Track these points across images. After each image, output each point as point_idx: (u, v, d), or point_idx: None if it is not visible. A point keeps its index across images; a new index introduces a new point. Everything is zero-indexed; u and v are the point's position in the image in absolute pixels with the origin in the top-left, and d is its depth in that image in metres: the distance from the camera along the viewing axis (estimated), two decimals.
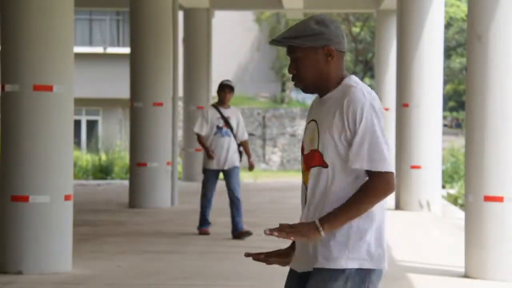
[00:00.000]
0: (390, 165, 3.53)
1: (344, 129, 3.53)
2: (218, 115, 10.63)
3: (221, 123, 10.62)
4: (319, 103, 3.66)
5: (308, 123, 3.70)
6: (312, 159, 3.61)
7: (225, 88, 10.57)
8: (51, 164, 8.20)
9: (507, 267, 8.13)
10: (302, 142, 3.72)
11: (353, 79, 3.65)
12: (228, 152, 10.62)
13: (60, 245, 8.27)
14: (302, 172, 3.72)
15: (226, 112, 10.68)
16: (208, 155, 10.58)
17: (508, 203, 8.12)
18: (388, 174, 3.52)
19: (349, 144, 3.53)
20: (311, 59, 3.60)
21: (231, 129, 10.66)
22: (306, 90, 3.67)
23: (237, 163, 10.70)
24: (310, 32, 3.59)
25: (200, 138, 10.69)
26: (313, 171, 3.60)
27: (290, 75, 3.73)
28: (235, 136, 10.68)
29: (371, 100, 3.55)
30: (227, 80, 10.78)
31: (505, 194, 8.12)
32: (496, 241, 8.15)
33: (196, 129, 10.67)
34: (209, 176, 10.73)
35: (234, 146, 10.67)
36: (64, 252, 8.33)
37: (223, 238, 10.87)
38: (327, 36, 3.60)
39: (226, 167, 10.63)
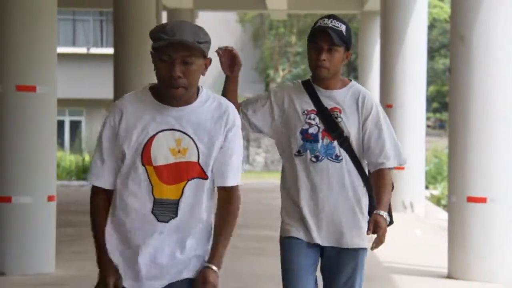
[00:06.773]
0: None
1: None
2: None
3: None
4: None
5: None
6: None
7: None
8: (34, 164, 8.15)
9: (490, 267, 8.15)
10: None
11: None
12: None
13: (43, 246, 8.23)
14: None
15: None
16: None
17: (491, 204, 8.15)
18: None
19: None
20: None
21: None
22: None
23: None
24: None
25: None
26: None
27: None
28: None
29: None
30: None
31: (488, 195, 8.15)
32: (479, 241, 8.17)
33: None
34: None
35: None
36: (47, 253, 8.29)
37: None
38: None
39: None
